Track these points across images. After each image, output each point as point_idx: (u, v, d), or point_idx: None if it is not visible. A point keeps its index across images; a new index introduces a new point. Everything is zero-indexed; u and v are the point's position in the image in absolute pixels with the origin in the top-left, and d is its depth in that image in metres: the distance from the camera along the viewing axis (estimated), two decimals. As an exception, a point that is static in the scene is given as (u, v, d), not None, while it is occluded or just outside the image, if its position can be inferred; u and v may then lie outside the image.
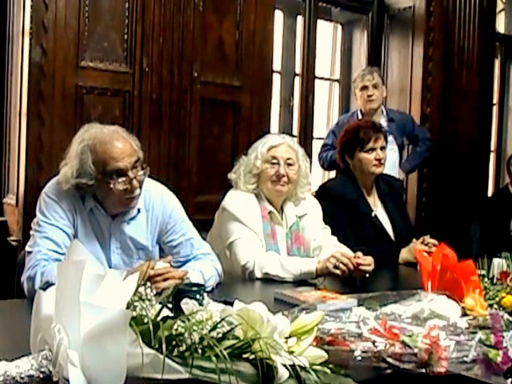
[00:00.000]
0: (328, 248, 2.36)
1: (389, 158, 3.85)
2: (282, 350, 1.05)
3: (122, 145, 1.90)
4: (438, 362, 1.24)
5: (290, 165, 2.38)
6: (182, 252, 2.07)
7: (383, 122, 3.92)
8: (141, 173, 1.92)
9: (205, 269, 2.00)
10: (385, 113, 4.03)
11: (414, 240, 2.68)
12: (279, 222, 2.42)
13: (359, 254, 2.15)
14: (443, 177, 4.52)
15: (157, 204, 2.06)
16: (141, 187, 1.94)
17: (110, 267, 1.96)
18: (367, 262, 2.11)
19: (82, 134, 1.94)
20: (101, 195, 1.93)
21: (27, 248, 1.91)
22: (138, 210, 2.02)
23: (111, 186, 1.86)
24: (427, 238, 2.63)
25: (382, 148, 2.76)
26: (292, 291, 1.86)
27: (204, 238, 2.26)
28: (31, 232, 1.94)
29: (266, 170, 2.37)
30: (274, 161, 2.37)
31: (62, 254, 1.88)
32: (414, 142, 4.13)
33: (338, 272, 2.09)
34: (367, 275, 2.12)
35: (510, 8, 5.58)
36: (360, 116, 3.97)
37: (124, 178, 1.87)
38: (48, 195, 1.94)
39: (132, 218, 2.02)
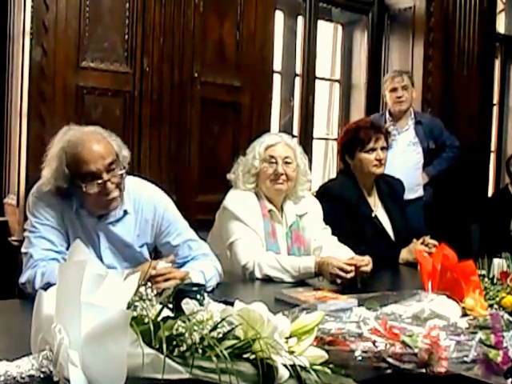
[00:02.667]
0: (328, 248, 2.36)
1: (412, 160, 3.92)
2: (282, 350, 1.05)
3: (96, 147, 1.87)
4: (438, 362, 1.24)
5: (287, 163, 2.38)
6: (181, 253, 2.06)
7: (410, 124, 3.97)
8: (119, 172, 1.89)
9: (205, 269, 2.00)
10: (413, 115, 4.02)
11: (415, 240, 2.68)
12: (279, 221, 2.43)
13: (356, 258, 2.15)
14: (443, 177, 4.51)
15: (146, 206, 2.04)
16: (120, 189, 1.92)
17: (105, 266, 1.96)
18: (365, 262, 2.11)
19: (61, 137, 1.92)
20: (79, 197, 1.92)
21: (23, 250, 1.91)
22: (125, 212, 2.00)
23: (84, 189, 1.85)
24: (427, 239, 2.63)
25: (383, 148, 2.76)
26: (292, 291, 1.86)
27: (205, 238, 2.27)
28: (25, 234, 1.94)
29: (265, 169, 2.38)
30: (272, 160, 2.38)
31: (57, 252, 1.88)
32: (441, 147, 4.10)
33: (338, 281, 2.09)
34: (365, 275, 2.11)
35: (510, 8, 5.58)
36: (388, 116, 4.00)
37: (98, 181, 1.85)
38: (36, 196, 1.94)
39: (118, 220, 2.00)
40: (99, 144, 1.88)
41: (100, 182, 1.85)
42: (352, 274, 2.07)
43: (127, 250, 2.03)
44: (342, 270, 2.06)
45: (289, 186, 2.40)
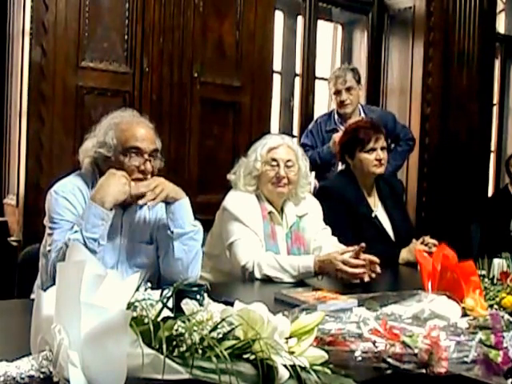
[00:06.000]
0: (328, 248, 2.36)
1: None
2: (282, 350, 1.05)
3: (145, 131, 2.01)
4: (438, 362, 1.24)
5: (289, 166, 2.38)
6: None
7: None
8: (157, 164, 2.02)
9: None
10: (362, 113, 3.77)
11: (414, 240, 2.68)
12: (279, 222, 2.42)
13: (367, 257, 2.15)
14: (443, 177, 4.52)
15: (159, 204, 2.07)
16: (152, 175, 2.00)
17: (119, 260, 2.01)
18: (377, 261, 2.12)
19: (113, 114, 2.06)
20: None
21: (47, 247, 1.91)
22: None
23: (126, 160, 1.95)
24: (427, 239, 2.63)
25: (383, 148, 2.76)
26: (292, 291, 1.86)
27: (204, 239, 2.26)
28: (47, 232, 1.95)
29: (266, 172, 2.37)
30: (274, 163, 2.37)
31: None
32: (395, 141, 3.85)
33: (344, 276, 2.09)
34: (365, 280, 2.11)
35: (510, 8, 5.58)
36: (337, 117, 3.76)
37: (140, 157, 1.97)
38: (57, 193, 1.97)
39: (140, 208, 2.06)
40: (149, 132, 2.03)
41: (141, 158, 1.97)
42: (360, 270, 2.07)
43: (143, 246, 2.06)
44: (348, 264, 2.07)
45: (290, 189, 2.40)
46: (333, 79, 3.78)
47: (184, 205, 2.01)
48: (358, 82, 3.79)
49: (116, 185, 1.89)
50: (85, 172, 2.04)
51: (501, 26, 5.45)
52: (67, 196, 1.96)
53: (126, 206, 2.02)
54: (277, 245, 2.38)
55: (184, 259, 2.00)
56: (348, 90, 3.72)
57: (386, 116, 3.90)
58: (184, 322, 1.03)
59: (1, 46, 3.20)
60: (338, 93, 3.73)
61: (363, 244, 2.11)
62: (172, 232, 1.99)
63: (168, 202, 1.99)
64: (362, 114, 3.78)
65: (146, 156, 1.97)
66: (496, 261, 1.98)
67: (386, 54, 4.68)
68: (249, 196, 2.38)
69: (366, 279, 2.09)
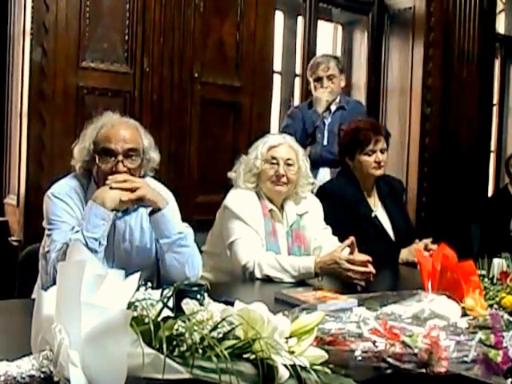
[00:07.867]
0: (328, 248, 2.36)
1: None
2: (282, 350, 1.05)
3: (123, 131, 1.97)
4: (438, 362, 1.24)
5: (289, 165, 2.38)
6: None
7: (333, 109, 3.62)
8: (136, 161, 1.96)
9: None
10: (337, 100, 3.64)
11: (417, 241, 2.66)
12: (280, 220, 2.42)
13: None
14: (443, 177, 4.52)
15: None
16: (132, 175, 1.95)
17: (114, 260, 2.00)
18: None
19: (97, 119, 2.05)
20: (96, 176, 1.99)
21: (46, 248, 1.92)
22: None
23: (99, 163, 1.94)
24: (430, 244, 2.59)
25: (382, 150, 2.75)
26: (292, 291, 1.86)
27: (204, 238, 2.27)
28: (46, 233, 1.95)
29: (266, 170, 2.38)
30: (274, 161, 2.38)
31: None
32: None
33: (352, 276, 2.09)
34: (363, 284, 2.11)
35: (510, 8, 5.58)
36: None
37: (112, 158, 1.93)
38: (54, 195, 1.98)
39: (134, 210, 2.05)
40: (127, 130, 1.99)
41: (113, 159, 1.93)
42: (367, 269, 2.07)
43: (139, 248, 2.06)
44: (354, 263, 2.07)
45: (289, 188, 2.40)
46: (314, 65, 3.65)
47: (166, 215, 1.95)
48: (341, 71, 3.66)
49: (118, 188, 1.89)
50: (80, 173, 2.05)
51: (501, 26, 5.45)
52: (64, 198, 1.97)
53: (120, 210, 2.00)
54: (277, 243, 2.38)
55: (177, 265, 1.98)
56: (329, 78, 3.60)
57: (359, 108, 3.77)
58: (184, 321, 1.03)
59: (1, 46, 3.19)
60: (318, 80, 3.61)
61: (352, 238, 2.12)
62: (159, 243, 1.97)
63: (150, 214, 1.96)
64: (337, 101, 3.64)
65: (120, 157, 1.93)
66: (496, 261, 1.98)
67: (386, 54, 4.68)
68: (249, 194, 2.38)
69: (363, 284, 2.09)
